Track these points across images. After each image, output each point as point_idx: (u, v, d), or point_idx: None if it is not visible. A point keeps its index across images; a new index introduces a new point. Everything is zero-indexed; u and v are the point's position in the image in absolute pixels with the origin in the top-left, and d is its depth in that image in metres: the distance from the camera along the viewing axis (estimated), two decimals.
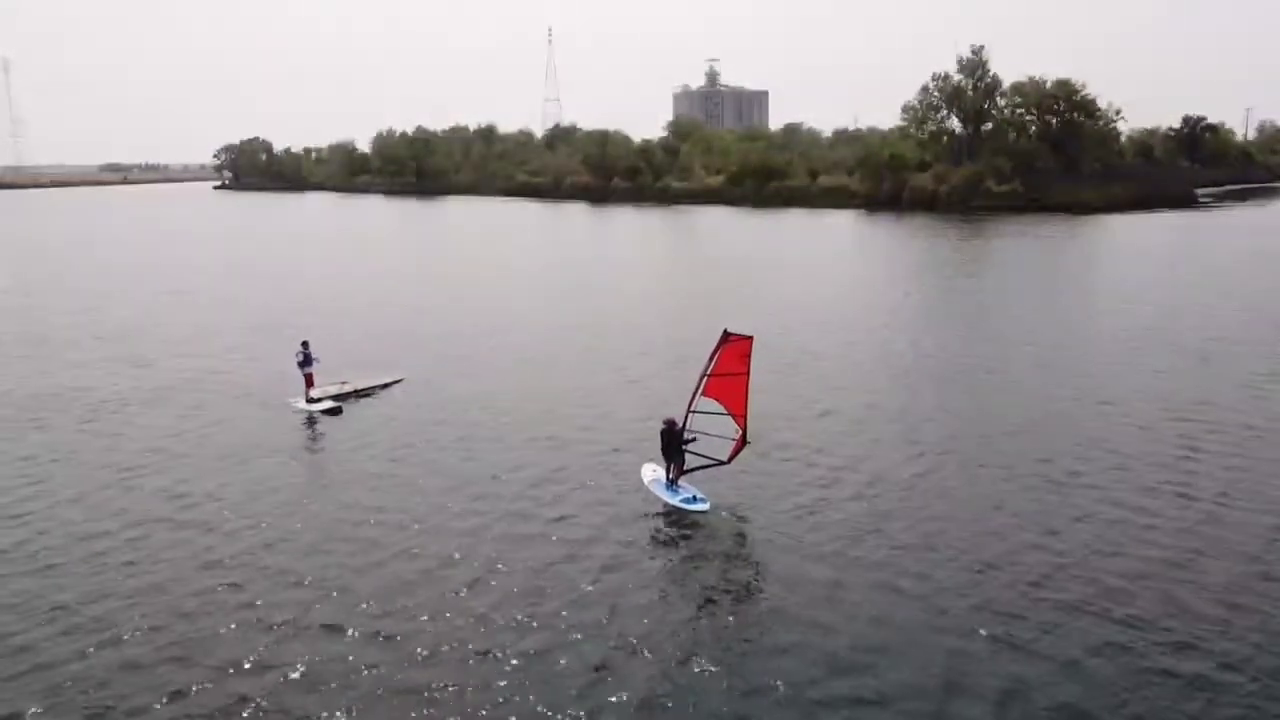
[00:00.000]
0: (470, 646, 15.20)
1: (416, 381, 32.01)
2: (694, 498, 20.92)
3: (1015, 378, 33.05)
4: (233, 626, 15.94)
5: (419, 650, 15.12)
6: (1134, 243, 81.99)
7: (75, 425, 27.85)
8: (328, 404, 28.98)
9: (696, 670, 14.59)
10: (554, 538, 19.31)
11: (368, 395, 30.48)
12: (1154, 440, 25.58)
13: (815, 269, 65.86)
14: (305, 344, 29.65)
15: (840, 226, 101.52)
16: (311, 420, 28.15)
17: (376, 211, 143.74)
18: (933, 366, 34.99)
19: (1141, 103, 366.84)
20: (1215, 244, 78.06)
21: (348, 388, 30.38)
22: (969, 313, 48.14)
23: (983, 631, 15.65)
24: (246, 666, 14.72)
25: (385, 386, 31.27)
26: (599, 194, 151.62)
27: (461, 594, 16.97)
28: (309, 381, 29.44)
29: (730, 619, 16.38)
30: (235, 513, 20.85)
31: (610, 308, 49.19)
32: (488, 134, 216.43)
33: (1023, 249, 76.35)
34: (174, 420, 28.01)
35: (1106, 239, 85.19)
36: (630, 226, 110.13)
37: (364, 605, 16.54)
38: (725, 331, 21.08)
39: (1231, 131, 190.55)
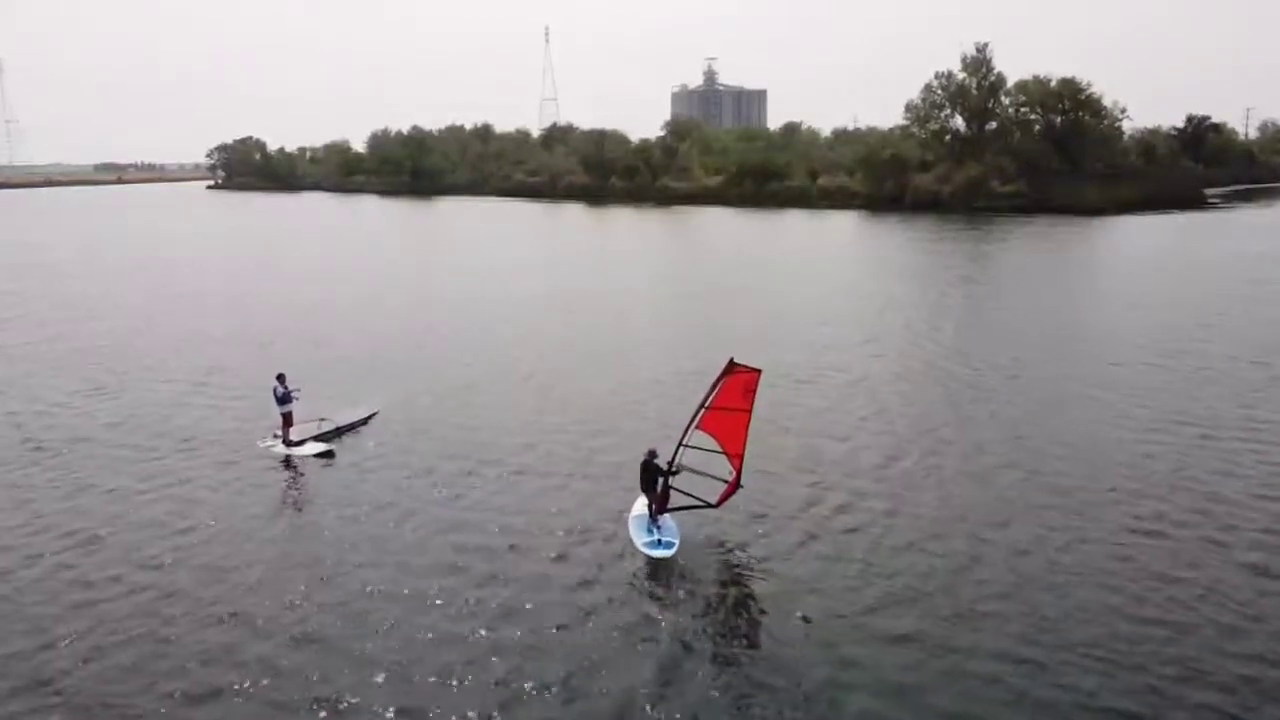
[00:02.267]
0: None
1: (392, 413, 29.49)
2: (659, 541, 19.33)
3: (1045, 416, 30.90)
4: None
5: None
6: (1158, 247, 79.65)
7: (21, 468, 25.29)
8: (313, 446, 26.34)
9: None
10: (522, 583, 18.13)
11: (346, 433, 28.02)
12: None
13: (818, 275, 63.76)
14: (281, 377, 26.72)
15: (843, 228, 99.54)
16: (292, 465, 25.50)
17: (368, 213, 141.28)
18: (945, 388, 33.00)
19: (1139, 102, 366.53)
20: (1248, 248, 75.26)
21: (327, 425, 27.68)
22: (998, 329, 45.91)
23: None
24: None
25: (363, 422, 28.85)
26: (596, 194, 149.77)
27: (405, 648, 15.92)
28: (288, 421, 26.57)
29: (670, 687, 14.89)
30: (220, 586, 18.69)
31: (602, 321, 46.97)
32: (484, 133, 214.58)
33: (1042, 254, 74.10)
34: (139, 463, 25.40)
35: (1127, 243, 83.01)
36: (627, 229, 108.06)
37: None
38: (731, 361, 19.13)
39: (1234, 131, 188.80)
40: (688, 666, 15.35)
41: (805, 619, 16.66)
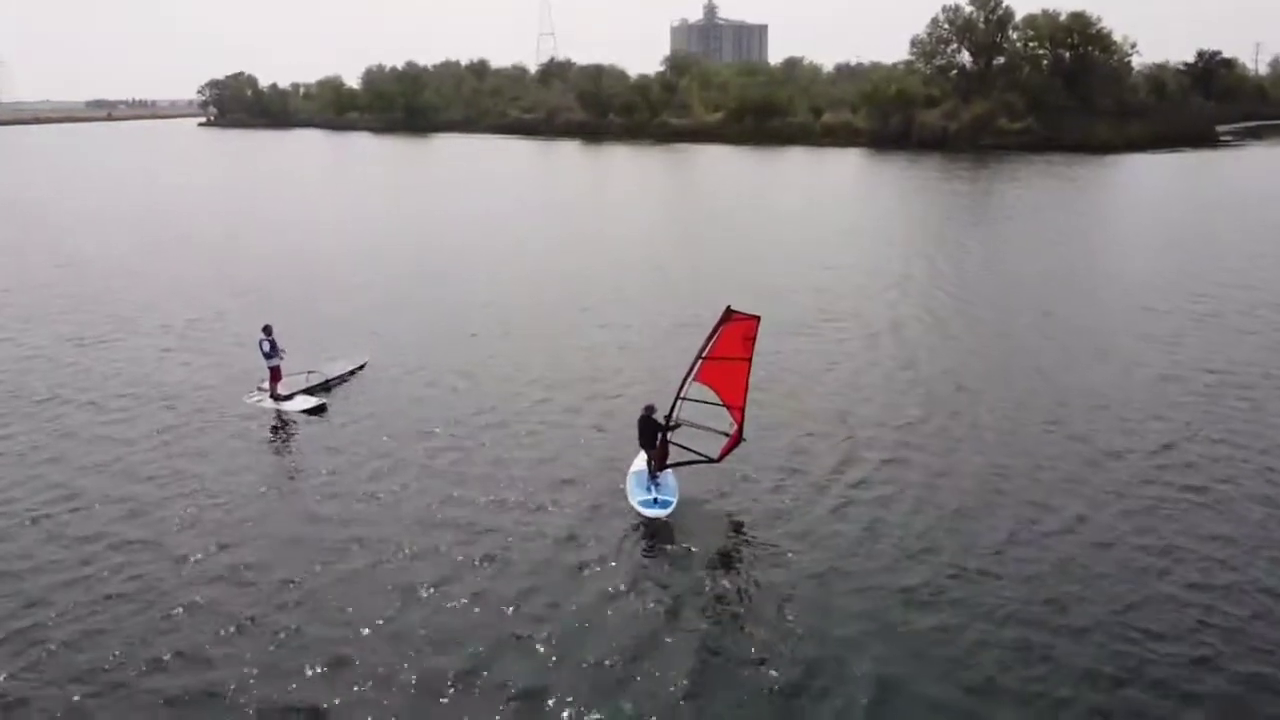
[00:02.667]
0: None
1: (382, 364, 27.86)
2: (655, 500, 18.41)
3: (1058, 370, 29.18)
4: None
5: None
6: (1175, 186, 77.56)
7: None
8: (304, 401, 24.78)
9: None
10: (520, 541, 17.24)
11: (335, 385, 26.35)
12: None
13: (822, 216, 61.85)
14: (269, 330, 25.04)
15: (846, 167, 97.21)
16: (283, 421, 23.93)
17: (359, 152, 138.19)
18: (964, 337, 31.38)
19: (1148, 38, 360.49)
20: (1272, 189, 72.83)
21: (316, 378, 26.10)
22: (1018, 274, 44.07)
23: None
24: None
25: (352, 374, 27.19)
26: (593, 131, 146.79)
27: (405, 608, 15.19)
28: (275, 375, 25.01)
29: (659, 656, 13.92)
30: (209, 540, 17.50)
31: (597, 263, 45.04)
32: (480, 69, 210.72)
33: (1056, 194, 71.63)
34: (122, 423, 23.64)
35: (1142, 182, 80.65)
36: (624, 168, 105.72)
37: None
38: (728, 309, 18.04)
39: (1245, 67, 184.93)
40: (673, 631, 14.48)
41: (809, 581, 15.74)
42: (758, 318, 17.86)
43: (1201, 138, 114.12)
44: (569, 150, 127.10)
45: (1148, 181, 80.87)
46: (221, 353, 29.24)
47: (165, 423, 23.39)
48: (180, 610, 15.01)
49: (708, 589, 15.77)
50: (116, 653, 13.98)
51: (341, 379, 26.62)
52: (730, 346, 17.99)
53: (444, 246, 49.79)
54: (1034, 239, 50.78)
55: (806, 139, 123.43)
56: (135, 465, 20.79)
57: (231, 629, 14.50)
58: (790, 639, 14.17)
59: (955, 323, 32.44)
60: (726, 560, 16.79)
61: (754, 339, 17.84)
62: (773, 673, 13.38)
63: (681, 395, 18.62)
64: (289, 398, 24.84)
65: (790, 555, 16.59)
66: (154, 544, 17.18)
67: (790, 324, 30.92)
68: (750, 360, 18.03)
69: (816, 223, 57.70)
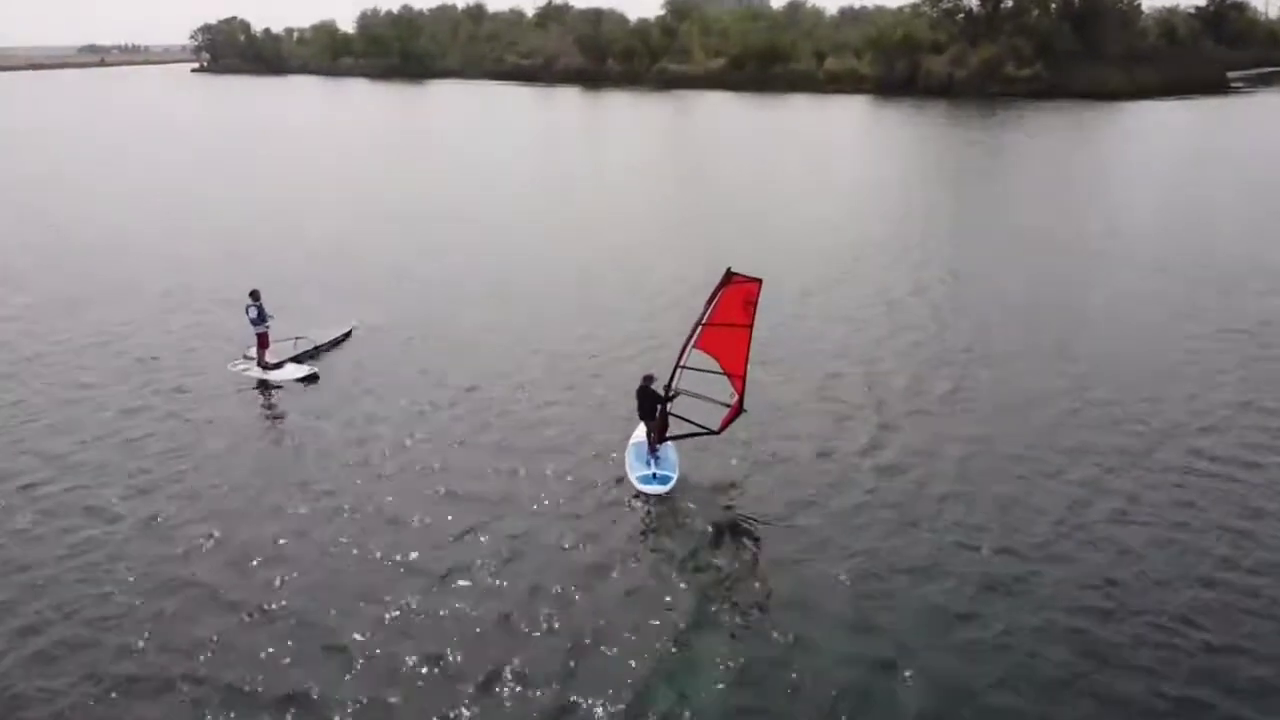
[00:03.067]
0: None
1: (371, 329, 26.77)
2: (654, 476, 17.71)
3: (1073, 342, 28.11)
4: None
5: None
6: (1194, 136, 75.83)
7: None
8: (294, 369, 23.78)
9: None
10: (516, 517, 16.60)
11: (325, 352, 25.27)
12: None
13: (828, 169, 60.45)
14: (255, 295, 23.83)
15: (852, 115, 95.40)
16: (269, 390, 23.01)
17: (353, 100, 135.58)
18: (961, 303, 30.20)
19: None
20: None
21: (304, 345, 25.02)
22: (1033, 232, 42.78)
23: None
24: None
25: (339, 341, 26.10)
26: (592, 77, 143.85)
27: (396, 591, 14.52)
28: (262, 342, 23.95)
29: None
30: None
31: (596, 221, 43.74)
32: (476, 13, 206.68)
33: (1070, 145, 70.28)
34: (102, 392, 22.52)
35: (1159, 132, 78.75)
36: (624, 117, 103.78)
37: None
38: (728, 271, 17.26)
39: (1256, 11, 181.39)
40: (666, 615, 13.81)
41: (815, 562, 15.05)
42: (759, 281, 16.98)
43: (1213, 84, 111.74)
44: (568, 97, 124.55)
45: (1160, 131, 79.09)
46: (204, 317, 28.23)
47: (147, 391, 22.53)
48: (165, 591, 14.29)
49: (706, 570, 15.06)
50: (89, 632, 13.38)
51: (330, 346, 25.62)
52: (731, 312, 17.21)
53: (435, 205, 48.26)
54: (1048, 193, 49.48)
55: (810, 85, 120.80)
56: (118, 437, 19.93)
57: (219, 610, 13.88)
58: (789, 625, 13.45)
59: (971, 287, 31.24)
60: (725, 540, 16.06)
61: (755, 304, 17.03)
62: (757, 648, 12.97)
63: (681, 364, 17.88)
64: (278, 365, 23.86)
65: (795, 534, 15.90)
66: (141, 519, 16.41)
67: (796, 285, 29.83)
68: (751, 327, 17.23)
69: (821, 175, 56.37)
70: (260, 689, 12.32)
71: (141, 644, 13.17)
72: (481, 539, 15.75)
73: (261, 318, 23.63)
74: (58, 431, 20.20)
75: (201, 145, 75.11)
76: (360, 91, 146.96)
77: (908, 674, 12.43)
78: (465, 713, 11.98)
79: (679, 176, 58.05)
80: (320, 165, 63.62)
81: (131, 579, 14.62)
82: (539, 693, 12.26)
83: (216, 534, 15.90)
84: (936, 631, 13.25)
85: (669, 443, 18.44)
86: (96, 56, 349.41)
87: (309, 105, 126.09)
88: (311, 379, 23.34)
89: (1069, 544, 15.39)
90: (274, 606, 13.95)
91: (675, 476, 17.70)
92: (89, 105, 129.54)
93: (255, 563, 15.10)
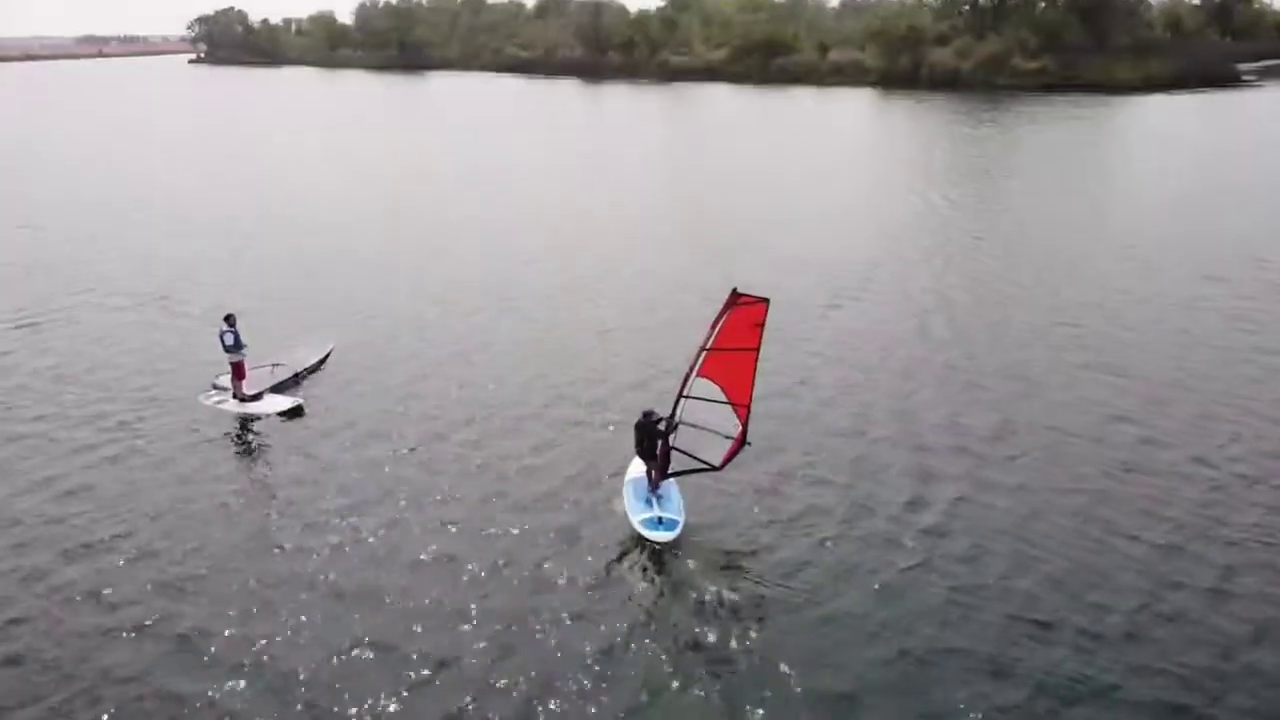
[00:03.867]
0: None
1: (349, 351, 24.89)
2: (659, 520, 16.29)
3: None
4: None
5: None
6: (1209, 132, 73.80)
7: None
8: (275, 401, 21.76)
9: None
10: (511, 565, 15.39)
11: (305, 378, 23.32)
12: None
13: (834, 167, 58.71)
14: (230, 319, 21.83)
15: (856, 108, 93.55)
16: (251, 426, 20.89)
17: (349, 93, 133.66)
18: (993, 317, 28.63)
19: None
20: None
21: (283, 372, 23.01)
22: (1056, 236, 41.08)
23: None
24: None
25: (320, 364, 24.12)
26: (592, 69, 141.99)
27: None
28: (239, 372, 21.81)
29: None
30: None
31: (593, 228, 41.96)
32: (475, 4, 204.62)
33: (1082, 141, 68.36)
34: (56, 428, 20.56)
35: (1172, 127, 76.98)
36: (623, 111, 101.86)
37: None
38: (734, 291, 15.79)
39: (1263, 2, 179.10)
40: (673, 686, 12.64)
41: (829, 630, 13.67)
42: (766, 301, 15.62)
43: (1223, 78, 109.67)
44: (567, 90, 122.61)
45: (1173, 126, 77.30)
46: (170, 339, 26.16)
47: (107, 429, 20.33)
48: (118, 677, 12.73)
49: (717, 631, 13.71)
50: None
51: (310, 371, 23.61)
52: (736, 335, 15.84)
53: (420, 203, 46.51)
54: (1069, 190, 47.72)
55: (813, 78, 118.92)
56: (72, 485, 17.80)
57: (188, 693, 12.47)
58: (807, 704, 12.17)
59: (1000, 297, 29.58)
60: (740, 597, 14.52)
61: (763, 325, 15.72)
62: None
63: (684, 393, 16.46)
64: (256, 397, 21.81)
65: (814, 594, 14.43)
66: (84, 589, 14.59)
67: (806, 298, 28.17)
68: (758, 350, 15.92)
69: (826, 174, 54.64)
70: None
71: None
72: (472, 590, 14.62)
73: (238, 344, 21.62)
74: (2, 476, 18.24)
75: (183, 143, 73.34)
76: (357, 85, 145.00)
77: None
78: None
79: (679, 175, 56.44)
80: (306, 164, 61.86)
81: (63, 667, 12.98)
82: None
83: (170, 610, 14.09)
84: None
85: (670, 481, 17.11)
86: (94, 47, 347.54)
87: (301, 101, 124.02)
88: (296, 412, 21.31)
89: (1152, 626, 13.58)
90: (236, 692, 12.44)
91: (681, 521, 16.35)
92: (72, 102, 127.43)
93: (227, 638, 13.45)
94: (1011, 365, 23.49)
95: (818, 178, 52.84)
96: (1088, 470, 18.02)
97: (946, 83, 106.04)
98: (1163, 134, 72.65)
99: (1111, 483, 17.51)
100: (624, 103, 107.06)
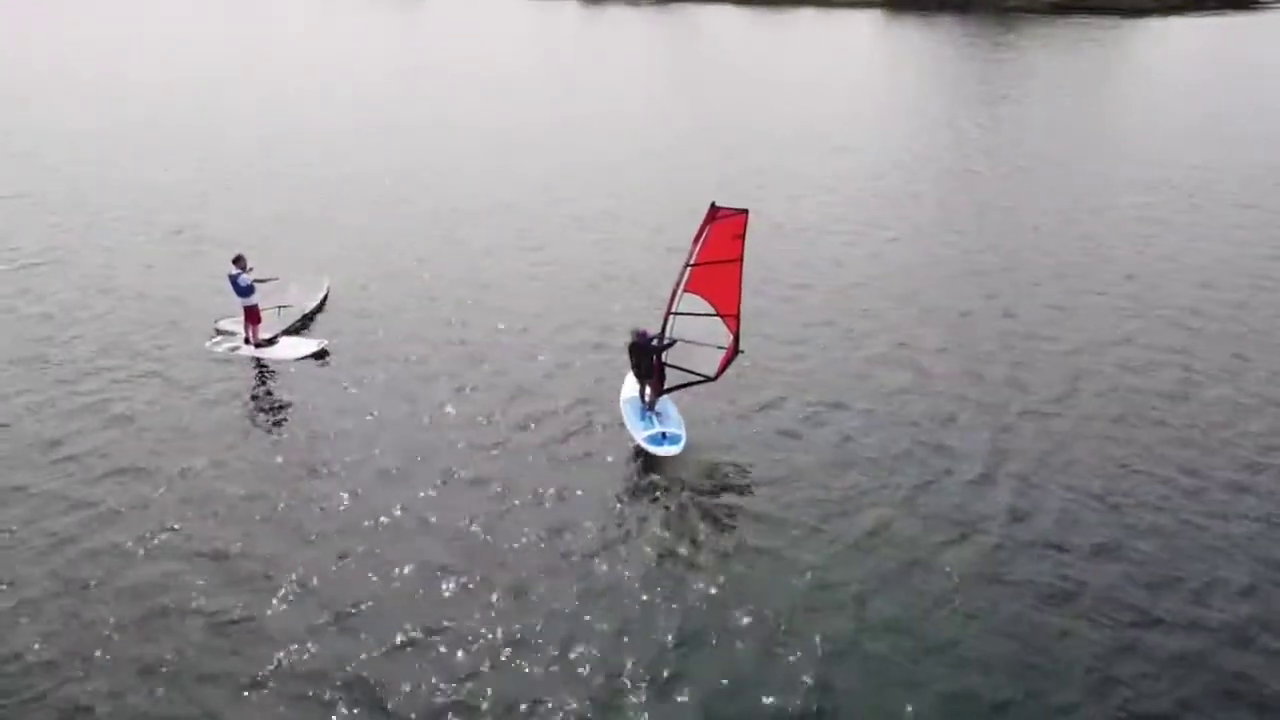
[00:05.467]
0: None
1: (345, 285, 23.86)
2: (663, 435, 17.32)
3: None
4: None
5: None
6: (1235, 59, 71.49)
7: None
8: (294, 345, 20.97)
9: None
10: (503, 492, 16.33)
11: (312, 320, 22.44)
12: None
13: (836, 90, 56.71)
14: (241, 261, 20.87)
15: (860, 32, 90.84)
16: (270, 372, 20.05)
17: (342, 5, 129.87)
18: (1024, 275, 27.56)
19: None
20: None
21: (291, 314, 22.12)
22: (1086, 170, 39.57)
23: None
24: None
25: (322, 304, 23.14)
26: None
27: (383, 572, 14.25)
28: (253, 316, 21.00)
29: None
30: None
31: (584, 154, 40.48)
32: None
33: (1101, 67, 66.51)
34: (57, 387, 19.50)
35: (1194, 52, 74.58)
36: (622, 34, 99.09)
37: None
38: (713, 205, 16.84)
39: None
40: (686, 597, 13.54)
41: (837, 531, 14.86)
42: (746, 212, 16.64)
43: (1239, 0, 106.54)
44: (569, 12, 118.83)
45: (1196, 52, 75.18)
46: (162, 278, 25.03)
47: (112, 383, 19.30)
48: (162, 650, 12.58)
49: (724, 539, 14.83)
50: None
51: (315, 312, 22.85)
52: (719, 247, 16.75)
53: (402, 137, 44.78)
54: (1079, 124, 46.00)
55: None
56: (76, 451, 16.84)
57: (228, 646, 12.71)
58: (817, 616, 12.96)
59: (1027, 248, 28.40)
60: (739, 507, 15.73)
61: (743, 235, 16.65)
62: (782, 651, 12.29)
63: (673, 309, 17.39)
64: (271, 341, 21.01)
65: (817, 497, 15.53)
66: (138, 555, 14.18)
67: (802, 220, 27.14)
68: (741, 260, 16.83)
69: (827, 97, 52.93)
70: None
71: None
72: (496, 515, 15.35)
73: (250, 288, 20.79)
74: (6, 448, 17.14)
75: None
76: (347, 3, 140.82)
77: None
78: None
79: (678, 106, 54.56)
80: (292, 92, 59.57)
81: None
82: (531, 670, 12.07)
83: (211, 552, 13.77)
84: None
85: (665, 397, 17.97)
86: None
87: (300, 26, 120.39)
88: (320, 355, 20.56)
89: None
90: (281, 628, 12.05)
91: (684, 435, 17.20)
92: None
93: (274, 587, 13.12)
94: (1035, 301, 23.46)
95: (815, 100, 51.14)
96: (1109, 408, 18.59)
97: (958, 4, 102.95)
98: (1183, 58, 70.64)
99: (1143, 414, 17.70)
100: (622, 28, 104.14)
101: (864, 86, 58.44)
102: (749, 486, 16.42)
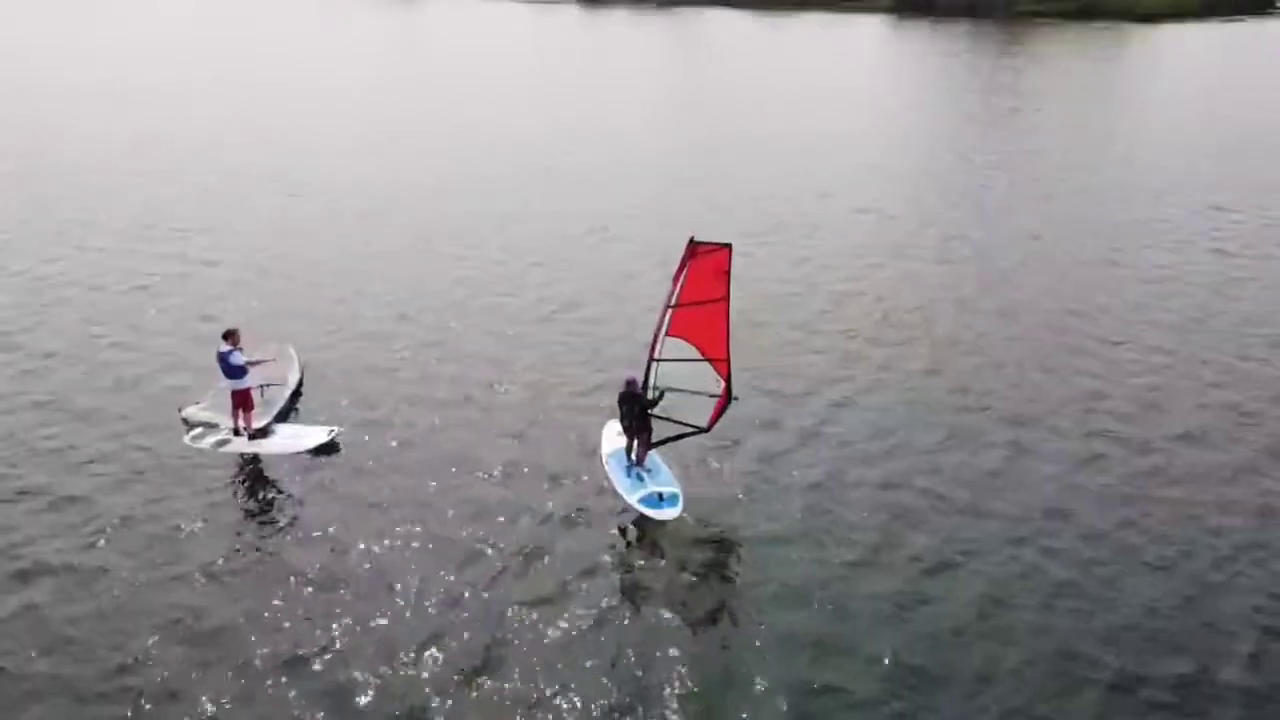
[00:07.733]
0: None
1: (308, 347, 21.74)
2: (659, 497, 15.81)
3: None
4: None
5: None
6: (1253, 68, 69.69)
7: None
8: (300, 435, 17.81)
9: None
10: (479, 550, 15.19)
11: (298, 400, 19.72)
12: None
13: (843, 103, 54.94)
14: (232, 336, 17.58)
15: (866, 37, 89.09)
16: (263, 478, 17.00)
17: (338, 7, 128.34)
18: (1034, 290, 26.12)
19: None
20: None
21: (276, 395, 19.08)
22: (1101, 185, 37.94)
23: None
24: None
25: (302, 377, 20.34)
26: None
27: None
28: (245, 402, 17.72)
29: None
30: None
31: (572, 193, 38.73)
32: None
33: (1116, 75, 64.64)
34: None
35: (1210, 60, 72.72)
36: (624, 42, 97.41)
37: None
38: (691, 240, 15.41)
39: None
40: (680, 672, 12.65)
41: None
42: (729, 246, 15.14)
43: (1255, 5, 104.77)
44: (569, 17, 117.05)
45: (1213, 60, 73.45)
46: (122, 343, 22.45)
47: (81, 499, 16.29)
48: None
49: (719, 602, 14.10)
50: None
51: (298, 388, 19.94)
52: (702, 286, 15.27)
53: (378, 171, 43.05)
54: (1107, 132, 44.34)
55: (822, 3, 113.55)
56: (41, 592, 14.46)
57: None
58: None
59: (1044, 264, 27.00)
60: (736, 566, 15.02)
61: (728, 272, 15.14)
62: None
63: (655, 356, 16.07)
64: (265, 432, 17.87)
65: (823, 560, 14.73)
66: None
67: (799, 244, 25.60)
68: (727, 299, 15.31)
69: (830, 105, 51.26)
70: None
71: None
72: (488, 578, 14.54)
73: (242, 369, 17.57)
74: None
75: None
76: (343, 6, 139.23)
77: None
78: None
79: (679, 117, 52.79)
80: (268, 127, 57.87)
81: None
82: None
83: None
84: None
85: (652, 451, 16.61)
86: None
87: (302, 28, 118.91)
88: (333, 448, 17.60)
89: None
90: None
91: (681, 495, 15.92)
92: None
93: None
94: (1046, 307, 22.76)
95: (830, 113, 49.40)
96: (1106, 405, 18.75)
97: (963, 9, 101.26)
98: (1196, 65, 68.96)
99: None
100: (622, 30, 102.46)
101: (871, 93, 56.92)
102: (743, 544, 15.45)
